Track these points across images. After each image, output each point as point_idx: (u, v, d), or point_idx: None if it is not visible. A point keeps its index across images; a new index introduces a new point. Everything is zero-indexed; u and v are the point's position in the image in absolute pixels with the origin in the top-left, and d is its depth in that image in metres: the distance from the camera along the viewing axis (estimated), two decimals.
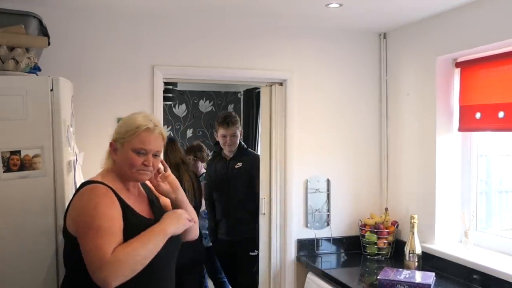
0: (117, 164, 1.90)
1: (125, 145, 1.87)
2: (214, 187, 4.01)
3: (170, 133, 6.56)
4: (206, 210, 4.21)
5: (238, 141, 3.95)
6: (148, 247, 1.74)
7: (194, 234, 2.07)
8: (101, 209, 1.73)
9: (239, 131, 3.94)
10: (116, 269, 1.64)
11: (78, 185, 2.29)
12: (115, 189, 1.84)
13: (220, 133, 3.93)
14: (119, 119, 3.05)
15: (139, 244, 1.72)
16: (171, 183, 2.00)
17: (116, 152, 1.89)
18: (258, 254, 3.64)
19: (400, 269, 2.84)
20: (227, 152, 3.96)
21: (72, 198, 1.86)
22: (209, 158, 4.43)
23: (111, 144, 1.91)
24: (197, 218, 2.09)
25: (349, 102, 3.58)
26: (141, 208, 1.92)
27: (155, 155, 1.91)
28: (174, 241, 1.89)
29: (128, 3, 2.91)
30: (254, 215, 3.64)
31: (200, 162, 4.54)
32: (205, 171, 4.50)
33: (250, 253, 3.74)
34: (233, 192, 3.86)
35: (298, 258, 3.47)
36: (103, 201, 1.76)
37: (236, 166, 3.89)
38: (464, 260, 2.80)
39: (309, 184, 3.50)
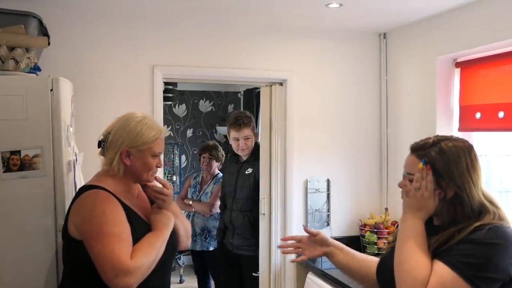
0: (129, 169, 1.89)
1: (144, 151, 1.88)
2: (226, 189, 3.79)
3: (170, 133, 6.56)
4: (219, 211, 4.20)
5: (252, 144, 3.61)
6: (157, 252, 1.78)
7: (186, 244, 2.08)
8: (109, 215, 1.74)
9: (253, 133, 3.60)
10: (138, 275, 1.67)
11: (78, 185, 2.30)
12: (116, 193, 1.84)
13: (232, 136, 3.60)
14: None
15: (151, 249, 1.75)
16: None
17: (130, 157, 1.88)
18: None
19: None
20: (242, 155, 3.68)
21: (72, 202, 1.85)
22: (228, 157, 4.08)
23: (126, 150, 1.87)
24: (190, 228, 2.12)
25: (349, 102, 3.58)
26: (141, 209, 1.93)
27: None
28: (172, 248, 1.93)
29: (128, 3, 2.91)
30: (257, 228, 3.53)
31: (214, 161, 4.47)
32: (218, 172, 4.49)
33: (253, 274, 3.53)
34: (239, 200, 3.60)
35: None
36: (109, 207, 1.77)
37: (246, 172, 3.61)
38: None
39: (309, 184, 3.50)
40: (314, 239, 1.87)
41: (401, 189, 1.61)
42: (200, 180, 4.57)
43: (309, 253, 1.86)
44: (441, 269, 1.41)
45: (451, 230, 1.48)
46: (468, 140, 1.61)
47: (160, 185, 1.99)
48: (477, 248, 1.41)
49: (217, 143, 4.64)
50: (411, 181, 1.55)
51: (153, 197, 1.96)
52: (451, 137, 1.61)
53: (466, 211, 1.50)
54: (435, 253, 1.47)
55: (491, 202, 1.53)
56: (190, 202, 4.41)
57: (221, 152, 4.54)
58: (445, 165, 1.51)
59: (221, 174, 4.45)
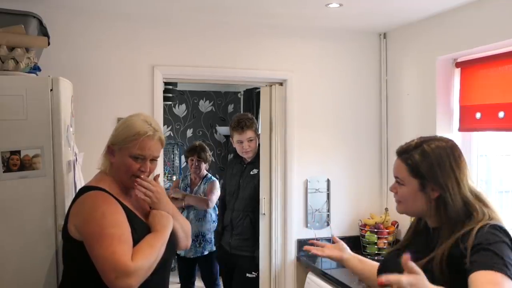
0: (113, 167, 1.89)
1: (123, 150, 1.86)
2: (227, 190, 3.76)
3: (170, 133, 6.57)
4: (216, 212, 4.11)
5: (256, 146, 3.60)
6: (158, 253, 1.78)
7: (186, 244, 2.07)
8: (109, 217, 1.74)
9: (256, 135, 3.60)
10: (139, 276, 1.67)
11: (78, 185, 2.30)
12: (114, 193, 1.84)
13: (235, 139, 3.59)
14: (119, 119, 3.05)
15: (151, 251, 1.75)
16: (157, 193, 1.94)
17: (114, 155, 1.89)
18: (256, 277, 3.49)
19: None
20: (246, 157, 3.65)
21: (72, 203, 1.85)
22: (231, 157, 3.99)
23: (109, 147, 1.90)
24: (189, 228, 2.09)
25: (349, 102, 3.58)
26: (140, 211, 1.93)
27: (153, 160, 1.91)
28: (171, 249, 1.93)
29: (128, 3, 2.91)
30: (257, 228, 3.52)
31: (203, 164, 4.25)
32: (207, 172, 4.33)
33: (247, 275, 3.50)
34: (241, 200, 3.58)
35: (298, 258, 3.48)
36: (109, 208, 1.76)
37: (251, 173, 3.60)
38: None
39: (309, 184, 3.50)
40: (335, 245, 1.94)
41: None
42: (188, 182, 4.34)
43: (328, 251, 1.90)
44: (493, 277, 1.33)
45: (449, 242, 1.46)
46: (452, 139, 1.62)
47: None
48: (500, 247, 1.38)
49: (204, 144, 4.40)
50: (398, 183, 1.60)
51: (141, 196, 1.91)
52: (435, 137, 1.62)
53: (450, 210, 1.50)
54: (458, 270, 1.41)
55: (478, 198, 1.52)
56: (180, 196, 4.11)
57: (209, 153, 4.33)
58: (428, 167, 1.53)
59: (210, 175, 4.34)
